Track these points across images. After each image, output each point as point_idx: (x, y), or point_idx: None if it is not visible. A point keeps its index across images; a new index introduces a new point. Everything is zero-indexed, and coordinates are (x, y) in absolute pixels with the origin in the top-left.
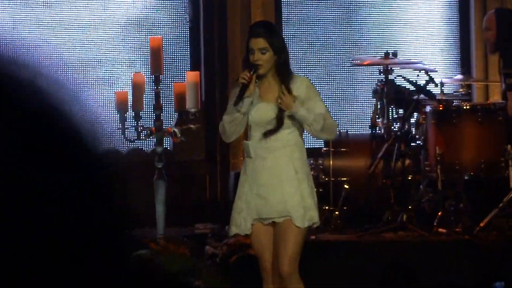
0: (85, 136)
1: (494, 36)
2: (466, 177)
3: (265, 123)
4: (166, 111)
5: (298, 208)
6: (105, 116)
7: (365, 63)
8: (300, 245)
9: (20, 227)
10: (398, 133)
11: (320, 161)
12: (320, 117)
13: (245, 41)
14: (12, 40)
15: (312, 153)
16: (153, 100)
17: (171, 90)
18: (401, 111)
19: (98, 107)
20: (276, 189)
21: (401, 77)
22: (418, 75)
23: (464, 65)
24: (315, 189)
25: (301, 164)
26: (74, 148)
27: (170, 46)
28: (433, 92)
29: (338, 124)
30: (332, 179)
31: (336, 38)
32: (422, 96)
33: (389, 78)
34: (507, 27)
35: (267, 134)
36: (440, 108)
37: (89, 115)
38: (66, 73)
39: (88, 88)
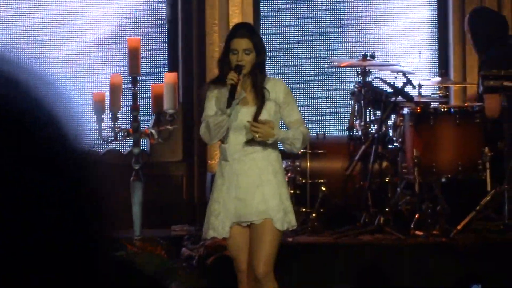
0: (67, 135)
1: (471, 40)
2: (443, 180)
3: (243, 128)
4: (144, 112)
5: (278, 211)
6: (83, 117)
7: (343, 64)
8: (277, 247)
9: None
10: (376, 135)
11: (297, 163)
12: (297, 132)
13: (224, 41)
14: None
15: (289, 155)
16: (130, 101)
17: (149, 91)
18: (378, 113)
19: (77, 106)
20: (256, 191)
21: (379, 79)
22: (396, 77)
23: (442, 67)
24: (292, 191)
25: (279, 167)
26: (55, 147)
27: (148, 46)
28: (410, 94)
29: (316, 125)
30: (309, 181)
31: (314, 38)
32: (399, 98)
33: (367, 80)
34: (481, 28)
35: (249, 142)
36: (418, 110)
37: (69, 113)
38: (45, 71)
39: (66, 87)
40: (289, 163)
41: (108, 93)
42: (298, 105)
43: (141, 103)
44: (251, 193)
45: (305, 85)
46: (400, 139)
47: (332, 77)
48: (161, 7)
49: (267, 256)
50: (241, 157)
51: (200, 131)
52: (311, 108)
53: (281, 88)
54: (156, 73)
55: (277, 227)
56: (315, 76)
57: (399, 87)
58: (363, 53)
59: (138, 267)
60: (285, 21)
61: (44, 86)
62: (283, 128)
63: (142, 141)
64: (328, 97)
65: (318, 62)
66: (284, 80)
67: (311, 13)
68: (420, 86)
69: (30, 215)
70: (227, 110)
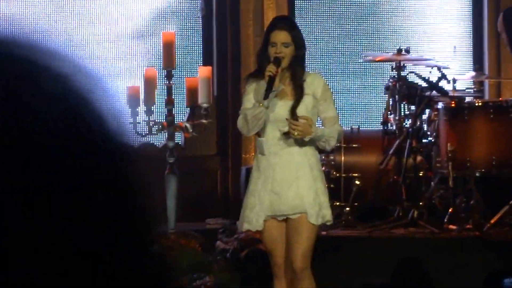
0: (108, 127)
1: (507, 40)
2: (477, 174)
3: (282, 121)
4: (178, 106)
5: (313, 205)
6: (121, 110)
7: (378, 59)
8: (313, 242)
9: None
10: (410, 129)
11: (332, 157)
12: (333, 130)
13: (260, 35)
14: (27, 27)
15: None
16: (165, 94)
17: (183, 84)
18: (413, 107)
19: (115, 99)
20: (292, 185)
21: (413, 74)
22: (430, 72)
23: (477, 62)
24: (326, 185)
25: (316, 161)
26: (98, 137)
27: (183, 40)
28: (445, 88)
29: (350, 119)
30: (344, 175)
31: (349, 33)
32: (434, 92)
33: (402, 74)
34: None
35: (286, 136)
36: (452, 105)
37: (112, 106)
38: (84, 62)
39: (104, 80)
40: (323, 157)
41: (142, 86)
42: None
43: (176, 96)
44: (287, 187)
45: (341, 80)
46: (434, 134)
47: (367, 72)
48: (195, 1)
49: (304, 251)
50: (278, 150)
51: (238, 123)
52: (346, 103)
53: (320, 83)
54: (191, 67)
55: (312, 222)
56: (350, 71)
57: (434, 81)
58: (397, 47)
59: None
60: (319, 15)
61: (85, 78)
62: (319, 123)
63: (177, 134)
64: (363, 91)
65: (353, 57)
66: (319, 74)
67: (346, 7)
68: (454, 80)
69: (69, 210)
70: (265, 102)
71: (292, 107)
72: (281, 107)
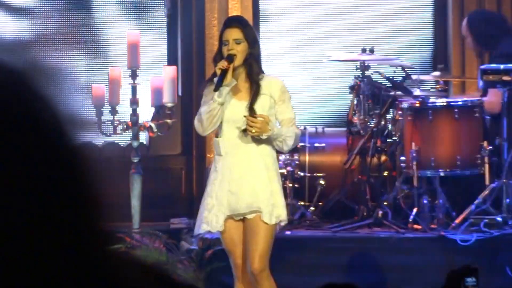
0: (65, 127)
1: (472, 43)
2: (442, 174)
3: (238, 121)
4: (143, 105)
5: (267, 204)
6: (82, 110)
7: (342, 58)
8: (270, 242)
9: None
10: (375, 129)
11: (296, 157)
12: (290, 130)
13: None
14: None
15: None
16: (129, 94)
17: (148, 84)
18: (377, 107)
19: (75, 99)
20: (247, 183)
21: (378, 73)
22: (395, 71)
23: (441, 61)
24: (291, 185)
25: (272, 161)
26: (53, 138)
27: (148, 40)
28: (409, 88)
29: (315, 119)
30: (308, 174)
31: (313, 32)
32: (398, 92)
33: (366, 74)
34: (482, 29)
35: (243, 135)
36: (417, 105)
37: (68, 106)
38: (43, 62)
39: (65, 80)
40: (287, 156)
41: (107, 86)
42: (296, 100)
43: (140, 96)
44: (243, 186)
45: (305, 80)
46: (399, 133)
47: (331, 72)
48: (160, 0)
49: (261, 252)
50: (234, 150)
51: (195, 122)
52: (311, 102)
53: (277, 85)
54: (156, 67)
55: (265, 220)
56: (314, 70)
57: (398, 81)
58: (362, 47)
59: (139, 258)
60: (284, 15)
61: (44, 77)
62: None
63: (142, 134)
64: (327, 91)
65: (317, 57)
66: (283, 75)
67: (310, 7)
68: (419, 80)
69: (28, 207)
70: (221, 96)
71: (250, 104)
72: (237, 106)
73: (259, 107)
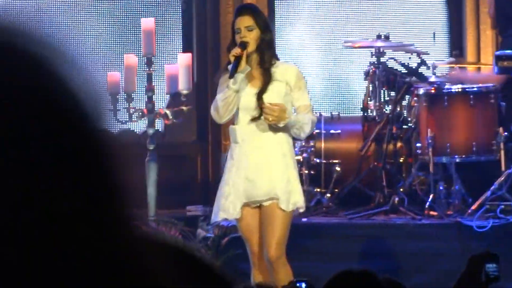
0: (88, 111)
1: (492, 14)
2: (457, 160)
3: (252, 109)
4: (158, 92)
5: (284, 191)
6: (100, 95)
7: (357, 45)
8: (287, 229)
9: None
10: (390, 115)
11: (312, 143)
12: (307, 117)
13: None
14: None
15: None
16: (145, 81)
17: (163, 71)
18: (393, 93)
19: (94, 85)
20: (264, 170)
21: (393, 60)
22: (410, 58)
23: (456, 48)
24: (306, 172)
25: (289, 148)
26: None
27: (163, 27)
28: (425, 74)
29: (331, 106)
30: (324, 161)
31: (328, 20)
32: (414, 78)
33: (381, 60)
34: (503, 10)
35: (254, 120)
36: (432, 91)
37: (88, 90)
38: (62, 46)
39: (83, 65)
40: (303, 143)
41: (122, 73)
42: (312, 86)
43: (156, 83)
44: (259, 173)
45: (320, 67)
46: (414, 120)
47: (346, 58)
48: None
49: (278, 239)
50: (251, 138)
51: (211, 110)
52: (326, 89)
53: (293, 71)
54: (171, 54)
55: (282, 207)
56: (329, 57)
57: (413, 67)
58: (377, 33)
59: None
60: (299, 3)
61: (64, 62)
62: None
63: (157, 121)
64: (343, 77)
65: (332, 44)
66: (300, 61)
67: None
68: (434, 66)
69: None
70: (236, 83)
71: (259, 92)
72: (252, 94)
73: (275, 93)
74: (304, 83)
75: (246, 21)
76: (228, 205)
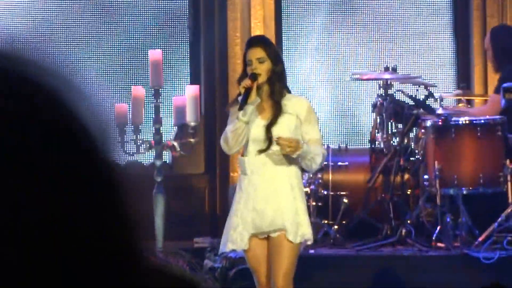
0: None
1: (492, 56)
2: (464, 192)
3: (262, 140)
4: (166, 124)
5: (292, 223)
6: (109, 127)
7: (365, 77)
8: (294, 260)
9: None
10: (398, 147)
11: (319, 175)
12: (318, 149)
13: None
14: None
15: None
16: (152, 113)
17: (171, 103)
18: (400, 125)
19: (103, 116)
20: (272, 202)
21: (400, 92)
22: (417, 90)
23: (463, 80)
24: (314, 203)
25: (297, 181)
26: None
27: (170, 59)
28: (432, 107)
29: (338, 138)
30: (331, 193)
31: (336, 52)
32: (421, 110)
33: (389, 92)
34: (503, 44)
35: (261, 152)
36: (440, 123)
37: (99, 121)
38: (73, 77)
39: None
40: (311, 175)
41: (130, 105)
42: (320, 118)
43: (163, 115)
44: (268, 203)
45: (328, 98)
46: (421, 152)
47: (354, 90)
48: (183, 19)
49: (286, 270)
50: (260, 170)
51: (221, 141)
52: (334, 121)
53: (304, 105)
54: (178, 86)
55: (290, 239)
56: (337, 89)
57: (421, 99)
58: (385, 66)
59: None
60: (307, 34)
61: (74, 93)
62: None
63: (165, 153)
64: (351, 109)
65: (340, 76)
66: (307, 93)
67: (333, 27)
68: (441, 99)
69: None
70: (245, 115)
71: (268, 125)
72: (261, 126)
73: (285, 126)
74: (315, 117)
75: (257, 52)
76: (236, 236)
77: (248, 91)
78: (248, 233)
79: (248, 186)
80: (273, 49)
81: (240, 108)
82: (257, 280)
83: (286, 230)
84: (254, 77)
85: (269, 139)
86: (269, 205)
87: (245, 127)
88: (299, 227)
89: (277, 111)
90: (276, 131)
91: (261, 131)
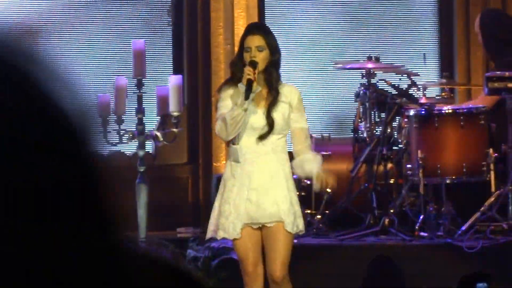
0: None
1: (482, 40)
2: (448, 181)
3: (258, 128)
4: (149, 114)
5: (289, 214)
6: (92, 117)
7: (348, 66)
8: (290, 250)
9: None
10: (381, 136)
11: None
12: (317, 158)
13: (230, 44)
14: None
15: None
16: (135, 103)
17: (154, 93)
18: (383, 115)
19: (86, 106)
20: (268, 193)
21: (383, 81)
22: (400, 79)
23: (446, 69)
24: (297, 193)
25: (289, 171)
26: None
27: (153, 49)
28: (415, 96)
29: (321, 127)
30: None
31: (319, 40)
32: (404, 100)
33: (372, 82)
34: (493, 31)
35: (261, 138)
36: (422, 112)
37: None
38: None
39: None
40: None
41: (113, 95)
42: (304, 106)
43: (146, 105)
44: (263, 195)
45: (311, 87)
46: (405, 141)
47: (337, 79)
48: (166, 9)
49: (283, 260)
50: (253, 158)
51: (216, 128)
52: (317, 110)
53: (296, 93)
54: (162, 76)
55: (288, 230)
56: (320, 78)
57: (404, 88)
58: (368, 55)
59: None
60: (290, 23)
61: (56, 82)
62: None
63: (147, 143)
64: (333, 99)
65: (323, 65)
66: (289, 83)
67: (316, 15)
68: (424, 87)
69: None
70: (245, 103)
71: (267, 112)
72: (256, 114)
73: (279, 114)
74: (303, 107)
75: (257, 40)
76: (229, 225)
77: (251, 80)
78: (240, 222)
79: (241, 175)
80: (272, 38)
81: (246, 98)
82: (243, 268)
83: (283, 221)
84: (254, 64)
85: (269, 125)
86: (265, 197)
87: (244, 115)
88: (295, 218)
89: (274, 99)
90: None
91: (258, 118)
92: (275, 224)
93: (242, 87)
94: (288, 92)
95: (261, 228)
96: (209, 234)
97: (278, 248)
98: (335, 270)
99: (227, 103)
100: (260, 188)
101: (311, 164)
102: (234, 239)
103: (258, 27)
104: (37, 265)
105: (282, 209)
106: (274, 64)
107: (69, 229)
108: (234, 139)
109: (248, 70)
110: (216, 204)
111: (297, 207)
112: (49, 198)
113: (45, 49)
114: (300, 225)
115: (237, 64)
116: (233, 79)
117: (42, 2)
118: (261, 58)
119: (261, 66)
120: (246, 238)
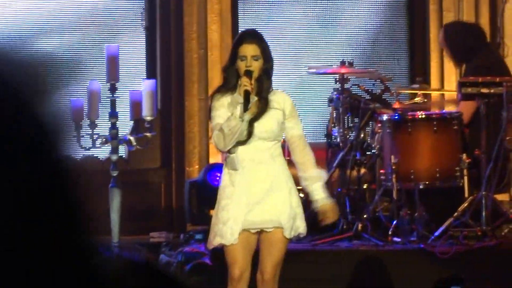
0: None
1: (449, 54)
2: (421, 186)
3: (255, 136)
4: (122, 119)
5: (289, 219)
6: (64, 122)
7: (321, 71)
8: (284, 254)
9: None
10: (354, 142)
11: None
12: (322, 173)
13: (203, 48)
14: None
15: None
16: (109, 108)
17: (127, 98)
18: (356, 120)
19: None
20: (269, 197)
21: (357, 86)
22: (374, 84)
23: (420, 74)
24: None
25: (289, 174)
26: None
27: (127, 54)
28: (388, 101)
29: None
30: None
31: (292, 45)
32: (378, 105)
33: (345, 86)
34: (459, 40)
35: (240, 144)
36: (396, 117)
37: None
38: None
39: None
40: None
41: (86, 100)
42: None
43: (120, 110)
44: (263, 200)
45: (284, 92)
46: (378, 146)
47: (310, 84)
48: (139, 14)
49: (276, 262)
50: (252, 165)
51: (213, 139)
52: None
53: (288, 100)
54: (135, 81)
55: (285, 235)
56: (293, 83)
57: (377, 93)
58: (341, 60)
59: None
60: (263, 28)
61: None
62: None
63: (121, 148)
64: (307, 103)
65: (296, 70)
66: None
67: (290, 20)
68: (398, 93)
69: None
70: (245, 115)
71: (251, 120)
72: (250, 122)
73: (274, 120)
74: (297, 113)
75: (252, 50)
76: (226, 230)
77: (249, 92)
78: (238, 228)
79: (241, 182)
80: (266, 47)
81: (245, 110)
82: (231, 272)
83: (282, 227)
84: (250, 74)
85: (249, 133)
86: (264, 201)
87: (241, 125)
88: (294, 222)
89: (264, 108)
90: (266, 125)
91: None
92: (274, 230)
93: (238, 97)
94: (280, 99)
95: (259, 232)
96: (208, 243)
97: (272, 251)
98: (308, 275)
99: (221, 112)
100: (260, 193)
101: (316, 194)
102: (228, 244)
103: (254, 36)
104: (8, 264)
105: (282, 215)
106: (267, 72)
107: (40, 229)
108: (231, 148)
109: (245, 81)
110: (214, 213)
111: (298, 210)
112: (19, 199)
113: (19, 53)
114: (301, 227)
115: (230, 71)
116: (225, 86)
117: (16, 8)
118: (256, 67)
119: (255, 74)
120: (239, 244)
